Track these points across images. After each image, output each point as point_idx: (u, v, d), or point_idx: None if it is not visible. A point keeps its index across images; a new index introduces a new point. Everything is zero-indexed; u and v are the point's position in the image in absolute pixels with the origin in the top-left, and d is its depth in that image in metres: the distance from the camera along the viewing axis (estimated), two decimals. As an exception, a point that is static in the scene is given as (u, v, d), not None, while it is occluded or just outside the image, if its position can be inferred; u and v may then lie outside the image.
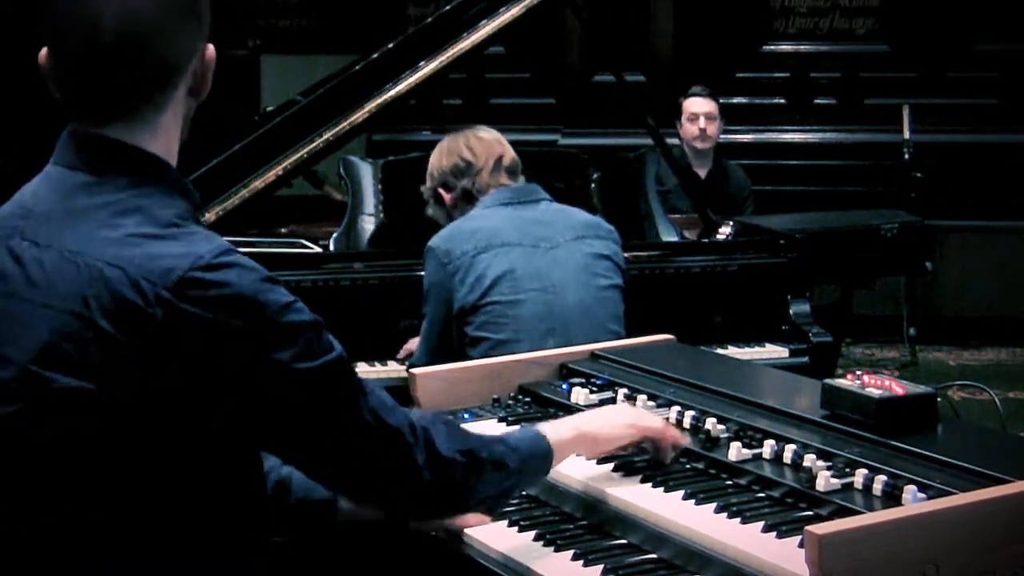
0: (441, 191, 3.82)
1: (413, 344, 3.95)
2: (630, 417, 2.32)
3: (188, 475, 1.76)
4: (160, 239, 1.74)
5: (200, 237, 1.77)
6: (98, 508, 1.74)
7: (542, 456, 2.14)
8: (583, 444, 2.26)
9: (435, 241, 3.69)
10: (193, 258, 1.72)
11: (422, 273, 4.27)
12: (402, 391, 2.81)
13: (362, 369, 4.16)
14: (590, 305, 3.62)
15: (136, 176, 1.80)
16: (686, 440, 2.33)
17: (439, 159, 3.82)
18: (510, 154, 3.80)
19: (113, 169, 1.80)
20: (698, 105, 6.28)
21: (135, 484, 1.74)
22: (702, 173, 6.28)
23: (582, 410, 2.62)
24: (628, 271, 3.83)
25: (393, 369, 4.17)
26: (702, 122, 6.25)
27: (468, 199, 3.76)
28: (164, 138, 1.84)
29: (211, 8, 1.90)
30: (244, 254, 1.80)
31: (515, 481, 2.08)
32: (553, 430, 2.20)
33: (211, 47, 1.87)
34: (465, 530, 2.22)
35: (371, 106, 4.51)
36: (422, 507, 2.00)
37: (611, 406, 2.50)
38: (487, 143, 3.79)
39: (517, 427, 2.29)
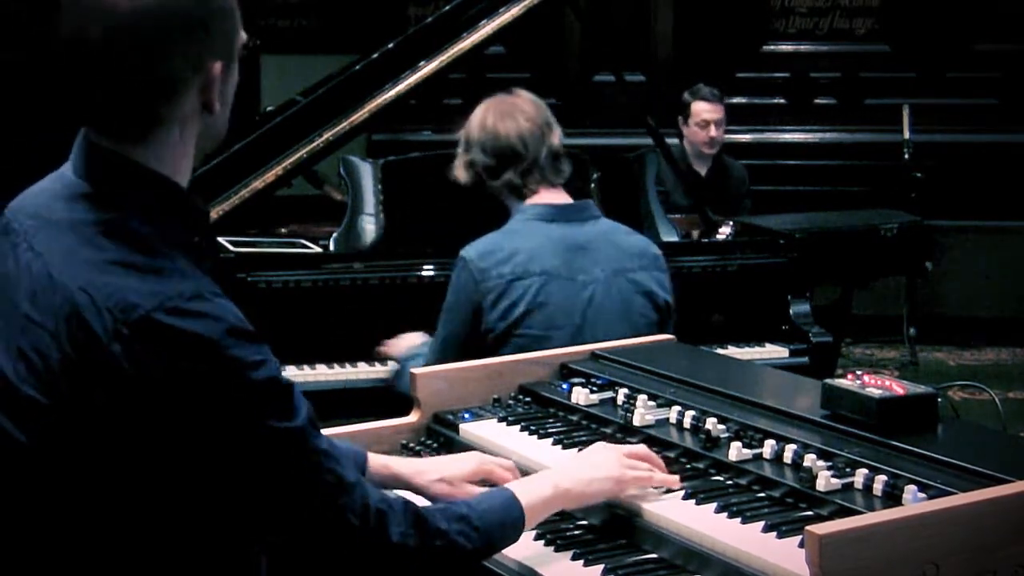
0: (482, 172, 3.46)
1: (401, 342, 3.81)
2: (616, 471, 2.18)
3: (125, 518, 1.73)
4: (136, 271, 1.71)
5: (177, 276, 1.72)
6: (42, 528, 1.75)
7: (512, 526, 2.04)
8: (564, 503, 2.16)
9: (470, 253, 3.39)
10: (160, 299, 1.68)
11: (422, 273, 4.30)
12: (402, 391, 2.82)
13: (362, 369, 4.18)
14: None
15: (134, 194, 1.77)
16: (675, 481, 2.22)
17: (482, 136, 3.44)
18: (557, 134, 3.45)
19: (112, 183, 1.78)
20: (709, 112, 6.21)
21: (76, 512, 1.73)
22: (703, 171, 6.27)
23: (582, 410, 2.62)
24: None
25: (393, 369, 4.16)
26: (712, 130, 6.20)
27: (517, 194, 3.45)
28: (171, 156, 1.80)
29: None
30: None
31: (474, 559, 2.00)
32: (529, 492, 2.09)
33: (223, 64, 1.79)
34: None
35: (371, 106, 4.51)
36: None
37: (594, 453, 2.27)
38: (539, 125, 3.43)
39: (495, 488, 2.15)
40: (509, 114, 3.43)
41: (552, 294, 3.36)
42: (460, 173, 3.50)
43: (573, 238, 3.42)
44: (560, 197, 3.47)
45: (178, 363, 1.67)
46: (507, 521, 2.03)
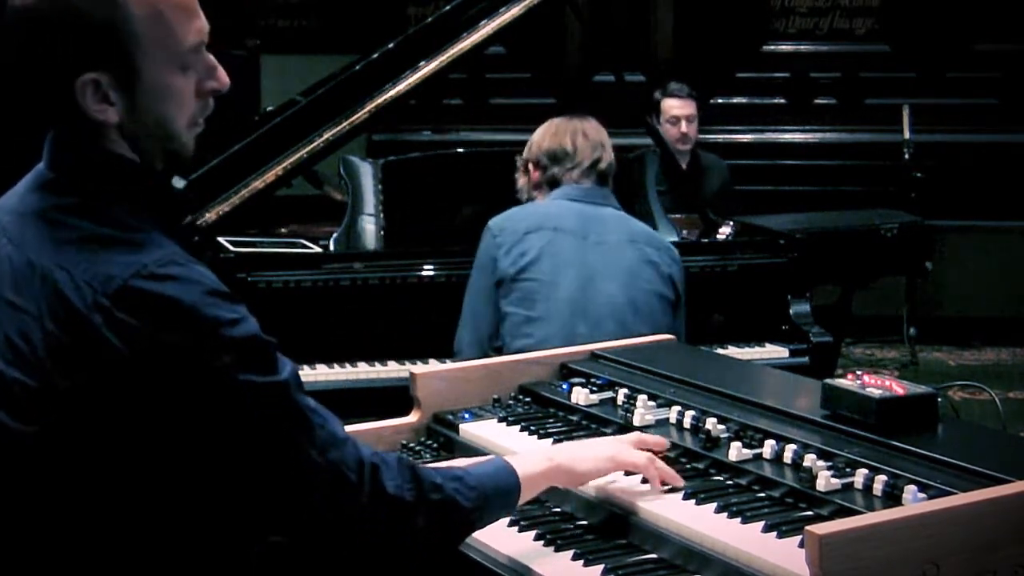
0: (531, 166, 3.92)
1: None
2: (611, 451, 2.21)
3: (127, 491, 1.74)
4: (110, 244, 1.75)
5: (151, 245, 1.76)
6: (37, 513, 1.75)
7: (507, 492, 2.05)
8: (558, 477, 2.16)
9: (494, 219, 3.80)
10: (136, 266, 1.72)
11: (422, 273, 4.31)
12: (402, 391, 2.82)
13: (362, 369, 4.18)
14: (624, 305, 3.63)
15: (98, 176, 1.81)
16: (675, 474, 2.22)
17: (543, 137, 3.91)
18: (608, 159, 3.88)
19: (77, 169, 1.83)
20: (678, 108, 6.19)
21: (74, 493, 1.74)
22: (681, 166, 6.24)
23: (582, 410, 2.62)
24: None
25: (393, 369, 4.17)
26: (683, 126, 6.17)
27: (553, 186, 3.87)
28: (129, 138, 1.83)
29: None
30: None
31: (471, 520, 1.99)
32: (524, 463, 2.11)
33: (111, 73, 1.79)
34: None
35: (371, 106, 4.51)
36: (364, 547, 1.90)
37: (597, 439, 2.35)
38: (592, 143, 3.86)
39: (489, 457, 2.17)
40: (572, 131, 3.88)
41: (563, 245, 3.71)
42: (519, 175, 3.97)
43: (591, 211, 3.80)
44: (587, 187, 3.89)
45: (159, 326, 1.70)
46: (503, 487, 2.04)
